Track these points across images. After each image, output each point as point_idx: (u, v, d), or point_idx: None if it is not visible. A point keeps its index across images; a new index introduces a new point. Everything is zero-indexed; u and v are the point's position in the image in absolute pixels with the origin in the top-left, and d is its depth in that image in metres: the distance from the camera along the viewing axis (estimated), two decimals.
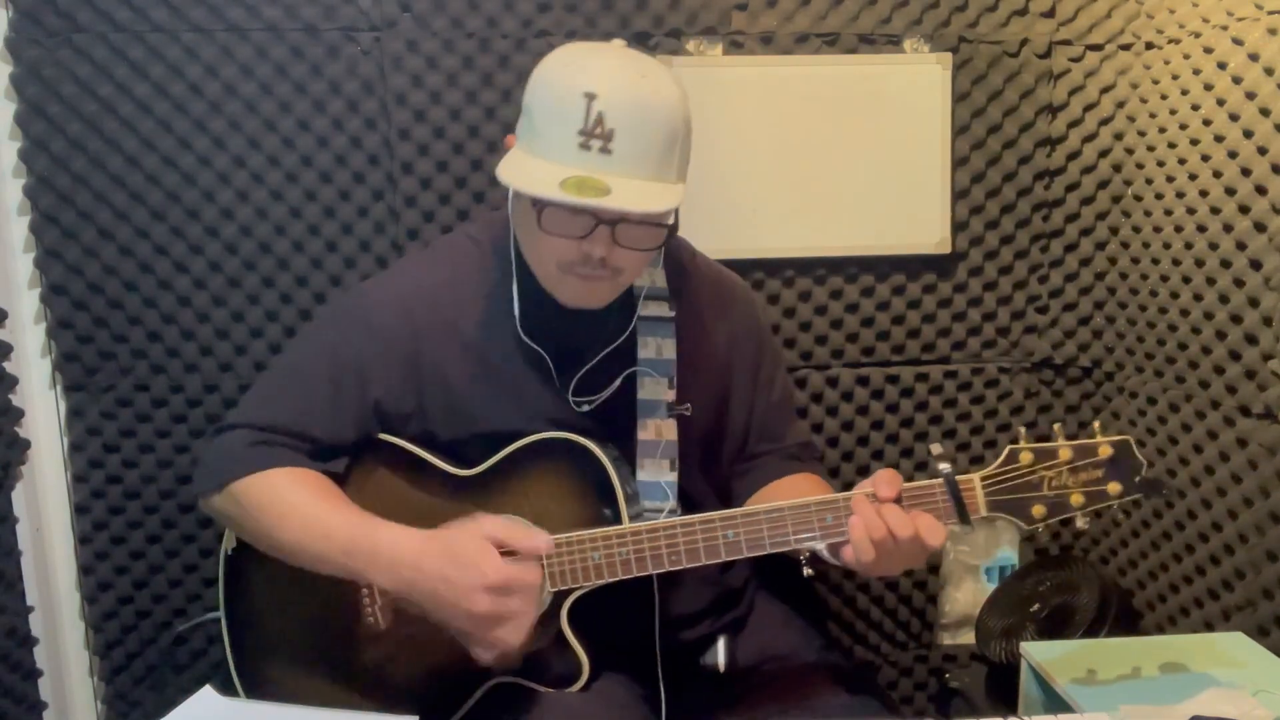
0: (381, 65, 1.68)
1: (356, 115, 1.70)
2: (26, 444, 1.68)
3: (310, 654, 1.32)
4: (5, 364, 1.63)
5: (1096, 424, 1.15)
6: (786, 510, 1.16)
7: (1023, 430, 1.16)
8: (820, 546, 1.17)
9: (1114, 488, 1.12)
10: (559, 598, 1.22)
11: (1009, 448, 1.14)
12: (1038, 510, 1.13)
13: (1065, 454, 1.12)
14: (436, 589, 1.15)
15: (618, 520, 1.22)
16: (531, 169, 1.14)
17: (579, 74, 1.13)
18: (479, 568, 1.13)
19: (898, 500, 1.12)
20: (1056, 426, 1.15)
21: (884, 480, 1.13)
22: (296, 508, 1.23)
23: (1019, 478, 1.13)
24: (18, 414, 1.66)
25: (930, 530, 1.11)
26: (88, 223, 1.67)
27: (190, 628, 1.77)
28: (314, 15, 1.66)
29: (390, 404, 1.30)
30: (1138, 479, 1.12)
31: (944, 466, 1.13)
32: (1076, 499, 1.12)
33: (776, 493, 1.38)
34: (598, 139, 1.11)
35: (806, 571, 1.19)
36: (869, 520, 1.11)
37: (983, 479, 1.13)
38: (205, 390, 1.74)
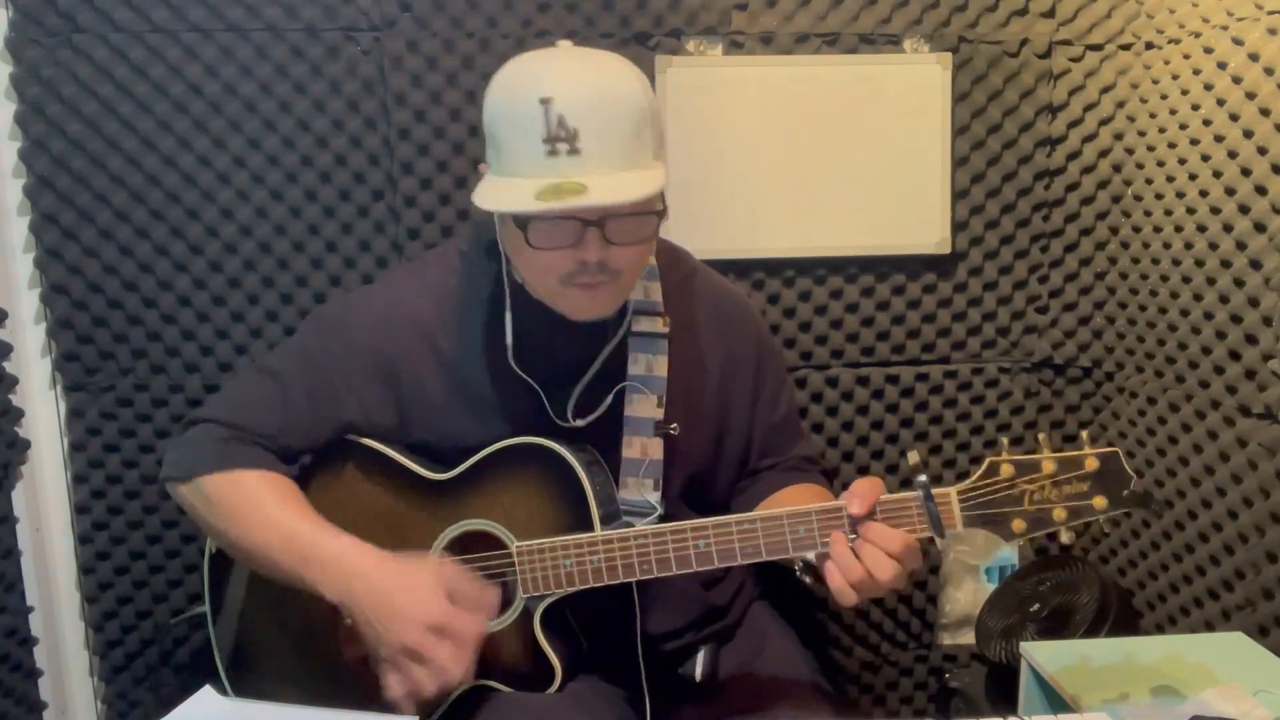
0: (381, 65, 1.68)
1: (356, 115, 1.70)
2: (26, 444, 1.68)
3: (290, 651, 1.33)
4: (5, 364, 1.63)
5: (1085, 434, 1.11)
6: (759, 521, 1.14)
7: (1005, 442, 1.12)
8: (797, 560, 1.15)
9: (1099, 502, 1.08)
10: (531, 603, 1.22)
11: (989, 460, 1.10)
12: (1017, 525, 1.09)
13: (1048, 467, 1.08)
14: (378, 608, 1.14)
15: (590, 528, 1.21)
16: (504, 188, 1.12)
17: (530, 82, 1.11)
18: (425, 603, 1.12)
19: (871, 515, 1.10)
20: (1041, 436, 1.11)
21: (859, 494, 1.10)
22: (259, 510, 1.23)
23: (998, 491, 1.09)
24: (18, 414, 1.66)
25: (909, 553, 1.08)
26: (88, 223, 1.67)
27: (180, 621, 1.76)
28: (314, 15, 1.66)
29: (365, 424, 1.30)
30: (1125, 493, 1.08)
31: (920, 479, 1.10)
32: (1059, 513, 1.08)
33: (776, 504, 1.33)
34: (563, 142, 1.08)
35: (805, 579, 1.17)
36: (845, 565, 1.09)
37: (959, 493, 1.10)
38: (205, 390, 1.73)
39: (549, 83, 1.10)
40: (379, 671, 1.16)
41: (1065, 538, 1.10)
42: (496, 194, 1.13)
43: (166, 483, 1.32)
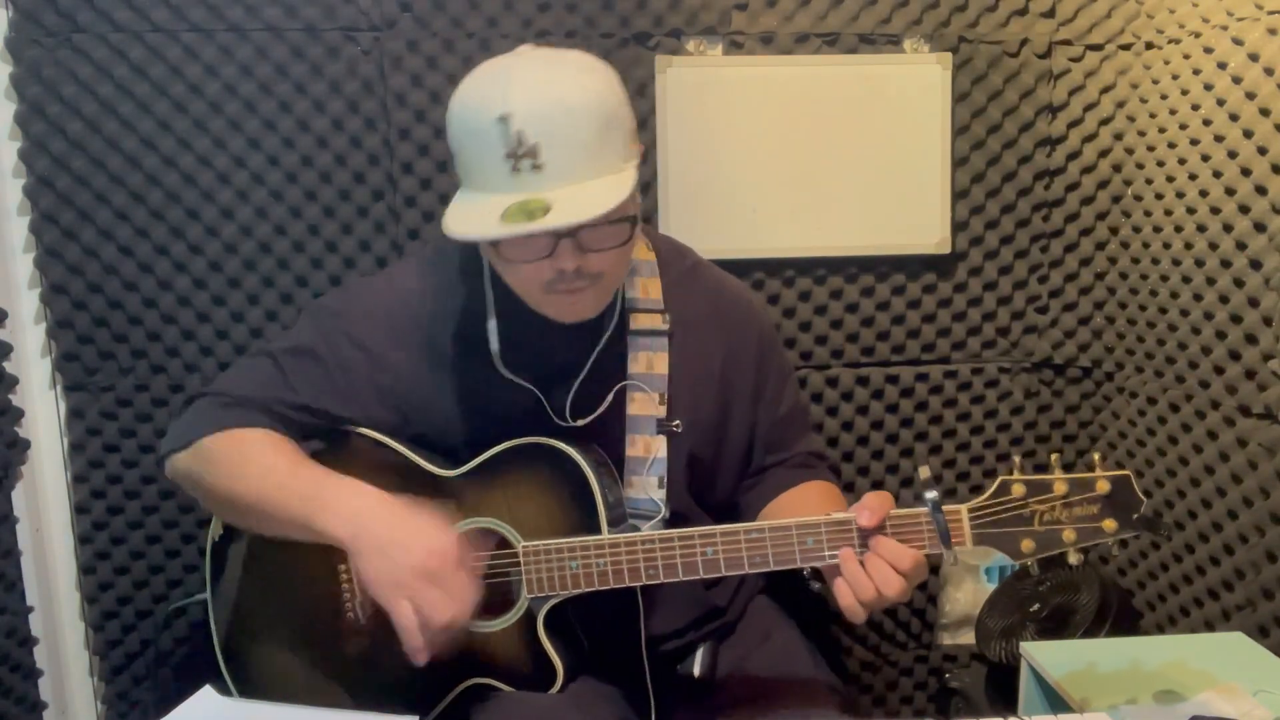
0: (381, 65, 1.68)
1: (356, 115, 1.70)
2: (26, 444, 1.68)
3: (292, 645, 1.32)
4: (5, 364, 1.63)
5: (1097, 455, 1.10)
6: (767, 531, 1.13)
7: (1017, 460, 1.12)
8: (804, 569, 1.15)
9: (1109, 525, 1.08)
10: (535, 604, 1.22)
11: (1001, 479, 1.10)
12: (1027, 545, 1.09)
13: (1060, 488, 1.09)
14: (393, 530, 1.14)
15: (597, 530, 1.20)
16: (470, 209, 1.11)
17: (487, 100, 1.09)
18: (438, 530, 1.14)
19: (880, 528, 1.10)
20: (1054, 457, 1.11)
21: (870, 507, 1.10)
22: (262, 459, 1.22)
23: (1009, 511, 1.09)
24: (18, 414, 1.66)
25: (918, 570, 1.09)
26: (88, 223, 1.67)
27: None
28: (314, 15, 1.66)
29: (364, 419, 1.29)
30: (1135, 516, 1.08)
31: (930, 495, 1.09)
32: (1069, 535, 1.09)
33: (785, 505, 1.34)
34: (525, 158, 1.07)
35: (815, 585, 1.17)
36: (857, 584, 1.09)
37: (970, 510, 1.10)
38: None
39: (506, 99, 1.08)
40: (389, 606, 1.13)
41: (1073, 559, 1.10)
42: (464, 216, 1.11)
43: (167, 458, 1.30)
